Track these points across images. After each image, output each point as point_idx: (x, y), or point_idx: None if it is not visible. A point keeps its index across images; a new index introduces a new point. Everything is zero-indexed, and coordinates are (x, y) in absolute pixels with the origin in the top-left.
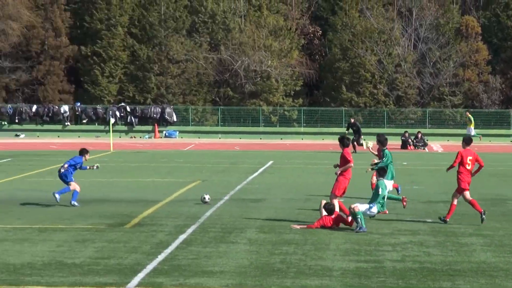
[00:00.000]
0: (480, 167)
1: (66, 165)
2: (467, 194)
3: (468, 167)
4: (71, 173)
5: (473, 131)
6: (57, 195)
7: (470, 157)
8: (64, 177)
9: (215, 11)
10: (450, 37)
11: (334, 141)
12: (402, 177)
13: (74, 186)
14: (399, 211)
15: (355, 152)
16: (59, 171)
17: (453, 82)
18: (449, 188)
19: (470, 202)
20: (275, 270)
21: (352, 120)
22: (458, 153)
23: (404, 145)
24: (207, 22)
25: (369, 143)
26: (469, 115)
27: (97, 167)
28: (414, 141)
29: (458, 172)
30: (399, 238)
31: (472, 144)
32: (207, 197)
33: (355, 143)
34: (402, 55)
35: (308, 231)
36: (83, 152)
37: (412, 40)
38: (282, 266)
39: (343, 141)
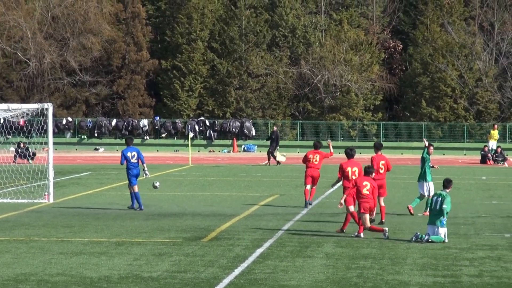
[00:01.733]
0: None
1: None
2: (382, 200)
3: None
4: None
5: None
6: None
7: (383, 162)
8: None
9: (296, 26)
10: None
11: (413, 155)
12: (481, 192)
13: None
14: (478, 226)
15: (269, 164)
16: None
17: None
18: None
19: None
20: (351, 285)
21: (275, 128)
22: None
23: (484, 160)
24: (288, 36)
25: (283, 157)
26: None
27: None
28: (494, 155)
29: None
30: (477, 253)
31: None
32: (157, 184)
33: (270, 154)
34: (483, 69)
35: (385, 246)
36: (129, 140)
37: (494, 55)
38: (358, 280)
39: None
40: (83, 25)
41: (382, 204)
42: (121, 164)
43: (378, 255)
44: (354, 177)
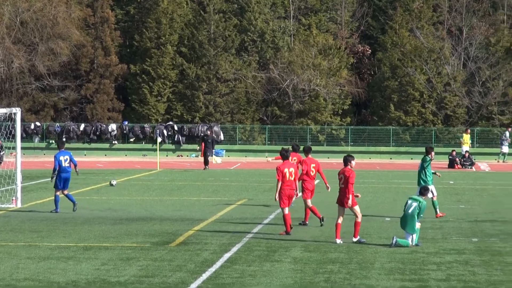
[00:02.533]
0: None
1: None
2: (309, 201)
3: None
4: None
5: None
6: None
7: (313, 165)
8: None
9: (264, 30)
10: (500, 56)
11: (381, 160)
12: (449, 196)
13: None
14: (446, 230)
15: (206, 168)
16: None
17: (502, 101)
18: (496, 207)
19: (311, 209)
20: None
21: (208, 133)
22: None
23: (452, 164)
24: (256, 41)
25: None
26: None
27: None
28: (462, 160)
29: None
30: (444, 257)
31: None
32: (114, 182)
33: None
34: (452, 74)
35: (353, 250)
36: (61, 144)
37: (462, 59)
38: (326, 285)
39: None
40: (51, 29)
41: (310, 205)
42: (55, 168)
43: (345, 260)
44: (291, 178)
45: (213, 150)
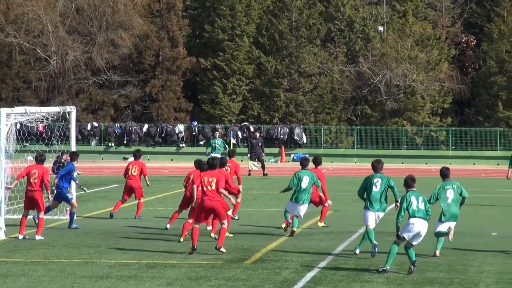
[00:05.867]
0: None
1: (56, 180)
2: None
3: None
4: (67, 187)
5: None
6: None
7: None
8: (63, 197)
9: (354, 18)
10: None
11: (486, 166)
12: None
13: (74, 204)
14: None
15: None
16: (53, 190)
17: None
18: None
19: None
20: None
21: (257, 135)
22: None
23: None
24: (344, 30)
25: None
26: None
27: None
28: None
29: None
30: None
31: None
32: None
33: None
34: None
35: (455, 269)
36: (74, 156)
37: None
38: None
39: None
40: (111, 18)
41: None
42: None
43: (446, 280)
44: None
45: (263, 154)
